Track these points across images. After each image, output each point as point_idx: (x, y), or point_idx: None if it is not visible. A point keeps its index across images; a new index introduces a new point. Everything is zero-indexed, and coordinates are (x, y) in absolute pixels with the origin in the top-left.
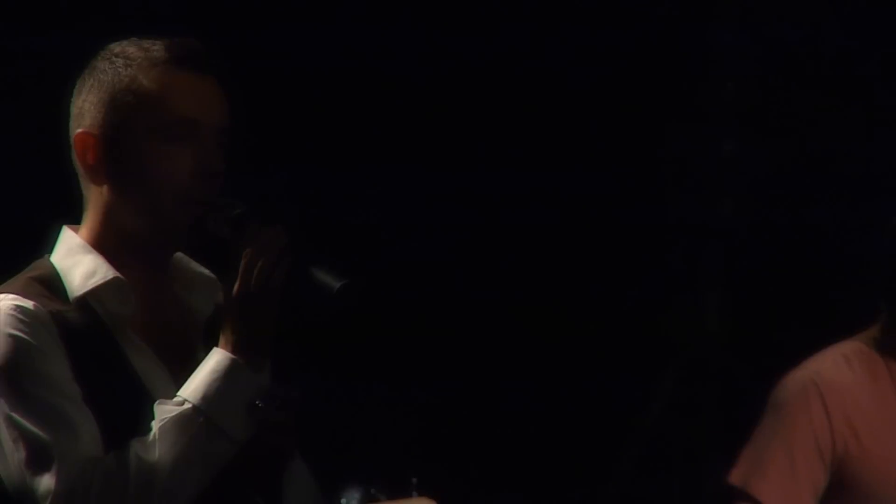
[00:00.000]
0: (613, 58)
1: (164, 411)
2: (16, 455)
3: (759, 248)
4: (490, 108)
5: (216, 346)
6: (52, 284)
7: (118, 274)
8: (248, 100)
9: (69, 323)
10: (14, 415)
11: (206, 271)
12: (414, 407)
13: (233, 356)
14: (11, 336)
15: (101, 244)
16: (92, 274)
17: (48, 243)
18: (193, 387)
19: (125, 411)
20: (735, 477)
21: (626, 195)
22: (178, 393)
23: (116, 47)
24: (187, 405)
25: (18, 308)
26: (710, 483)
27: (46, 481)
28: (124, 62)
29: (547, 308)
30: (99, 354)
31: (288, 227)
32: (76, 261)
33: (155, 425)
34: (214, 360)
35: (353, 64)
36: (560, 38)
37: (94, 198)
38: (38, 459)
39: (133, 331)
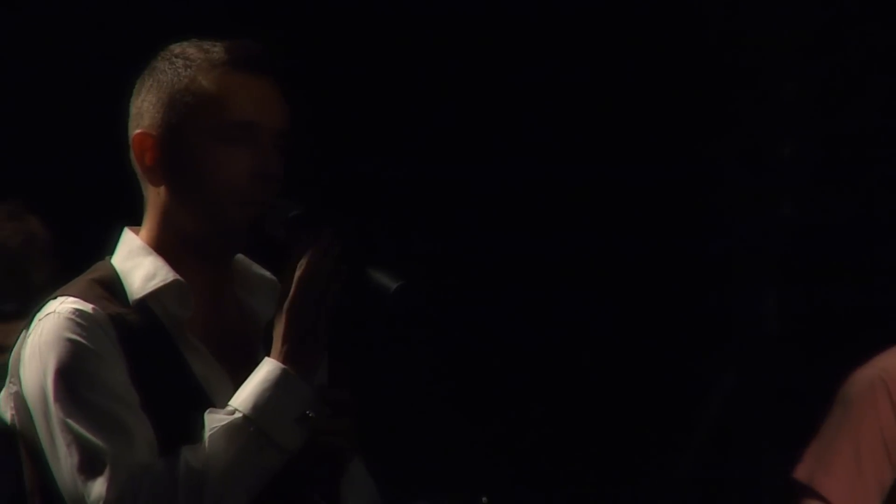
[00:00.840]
0: (671, 56)
1: (215, 420)
2: (69, 460)
3: (818, 246)
4: (546, 107)
5: None
6: (112, 287)
7: (178, 276)
8: (306, 101)
9: (128, 325)
10: (69, 420)
11: (267, 273)
12: (485, 424)
13: (284, 366)
14: (70, 340)
15: (161, 246)
16: (152, 276)
17: (111, 245)
18: (244, 396)
19: (183, 414)
20: (801, 473)
21: (686, 193)
22: (230, 402)
23: (176, 48)
24: (238, 415)
25: (77, 312)
26: (768, 479)
27: (98, 487)
28: (184, 63)
29: (608, 308)
30: (158, 357)
31: (343, 229)
32: (136, 263)
33: (206, 434)
34: (266, 370)
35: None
36: (618, 38)
37: (153, 199)
38: (91, 465)
39: (192, 333)
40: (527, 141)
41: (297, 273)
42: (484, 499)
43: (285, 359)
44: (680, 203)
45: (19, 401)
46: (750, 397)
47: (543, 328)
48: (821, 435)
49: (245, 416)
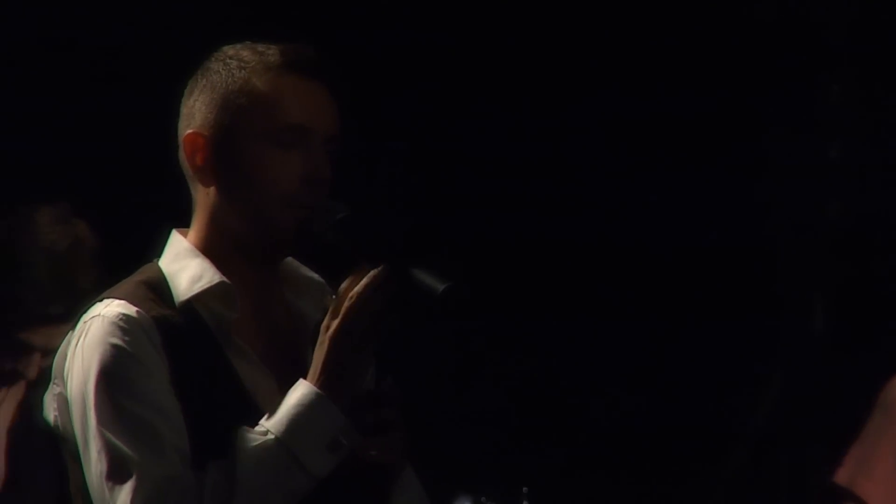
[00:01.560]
0: (719, 58)
1: (247, 439)
2: (98, 466)
3: (865, 249)
4: (596, 108)
5: None
6: (159, 289)
7: (224, 278)
8: (355, 105)
9: (174, 327)
10: (103, 426)
11: (315, 275)
12: (525, 415)
13: (319, 391)
14: (113, 346)
15: (209, 248)
16: (198, 278)
17: (159, 247)
18: (277, 418)
19: (228, 416)
20: (841, 476)
21: (733, 197)
22: (263, 421)
23: (230, 50)
24: (270, 436)
25: (122, 316)
26: (816, 482)
27: (123, 496)
28: (238, 64)
29: (656, 310)
30: (203, 359)
31: (389, 234)
32: (183, 265)
33: (236, 452)
34: (300, 393)
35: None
36: (664, 40)
37: (201, 200)
38: (119, 473)
39: (239, 336)
40: (570, 145)
41: (347, 303)
42: (525, 489)
43: (322, 385)
44: (727, 204)
45: (62, 402)
46: (797, 400)
47: (589, 325)
48: (861, 439)
49: (277, 439)
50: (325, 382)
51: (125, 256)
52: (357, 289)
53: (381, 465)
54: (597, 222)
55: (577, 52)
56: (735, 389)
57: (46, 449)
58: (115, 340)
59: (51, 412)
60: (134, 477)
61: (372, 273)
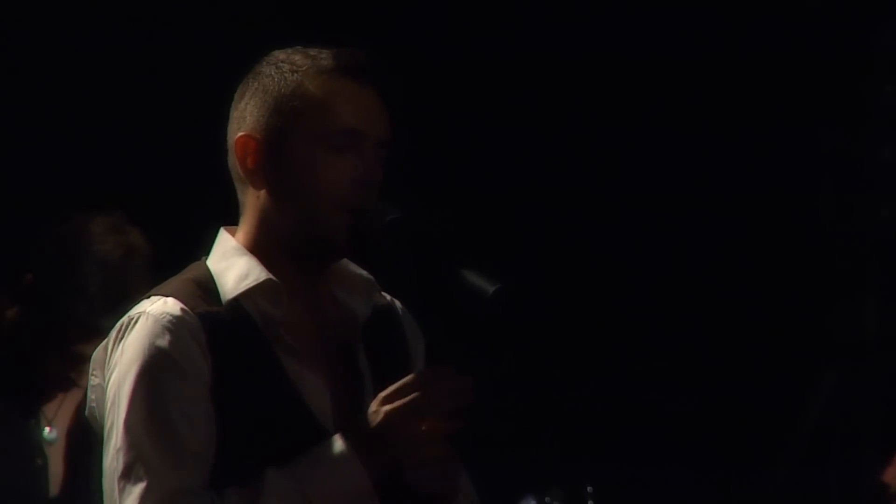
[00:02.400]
0: (774, 60)
1: (274, 483)
2: (114, 463)
3: None
4: (656, 111)
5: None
6: (206, 286)
7: (271, 275)
8: (405, 110)
9: (220, 325)
10: (127, 426)
11: (365, 273)
12: (589, 415)
13: (355, 455)
14: (154, 347)
15: (257, 247)
16: (245, 276)
17: (208, 245)
18: (307, 470)
19: (274, 411)
20: (889, 476)
21: (786, 200)
22: (292, 466)
23: (281, 54)
24: (297, 488)
25: (168, 316)
26: (867, 483)
27: (131, 500)
28: (290, 68)
29: (711, 313)
30: (251, 356)
31: (440, 232)
32: (230, 263)
33: (261, 494)
34: (337, 450)
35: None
36: (716, 39)
37: (251, 201)
38: (131, 476)
39: (286, 333)
40: (638, 151)
41: (420, 389)
42: (589, 488)
43: (359, 449)
44: (779, 208)
45: (100, 393)
46: (849, 400)
47: (645, 327)
48: None
49: (304, 493)
50: (364, 449)
51: (178, 259)
52: (428, 373)
53: (437, 496)
54: (646, 222)
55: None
56: (790, 387)
57: (102, 451)
58: (158, 342)
59: (90, 403)
60: (146, 482)
61: (460, 377)
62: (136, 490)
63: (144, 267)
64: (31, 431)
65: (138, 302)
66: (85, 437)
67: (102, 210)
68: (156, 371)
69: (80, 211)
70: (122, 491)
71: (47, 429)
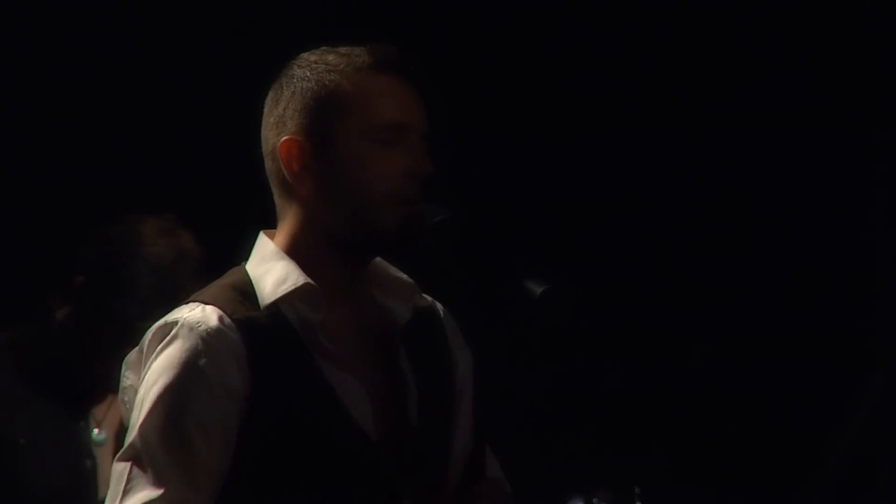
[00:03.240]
0: (833, 66)
1: None
2: (124, 465)
3: None
4: (703, 116)
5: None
6: (245, 292)
7: (309, 280)
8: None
9: (258, 331)
10: (143, 430)
11: (404, 276)
12: (637, 415)
13: None
14: (185, 356)
15: (296, 250)
16: (283, 280)
17: (248, 249)
18: None
19: (313, 417)
20: None
21: (833, 204)
22: None
23: (312, 56)
24: None
25: (203, 325)
26: None
27: (135, 502)
28: (326, 68)
29: (755, 315)
30: (288, 362)
31: (487, 234)
32: (269, 268)
33: None
34: None
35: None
36: (779, 47)
37: (294, 205)
38: (137, 485)
39: (325, 337)
40: (683, 155)
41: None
42: (637, 489)
43: None
44: (824, 212)
45: (131, 395)
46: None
47: (690, 329)
48: None
49: None
50: None
51: (220, 259)
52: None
53: None
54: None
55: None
56: (834, 392)
57: None
58: (191, 353)
59: (122, 404)
60: (149, 490)
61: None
62: (139, 496)
63: (194, 270)
64: (81, 433)
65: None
66: None
67: (154, 212)
68: (184, 382)
69: (133, 213)
70: (125, 493)
71: (96, 430)
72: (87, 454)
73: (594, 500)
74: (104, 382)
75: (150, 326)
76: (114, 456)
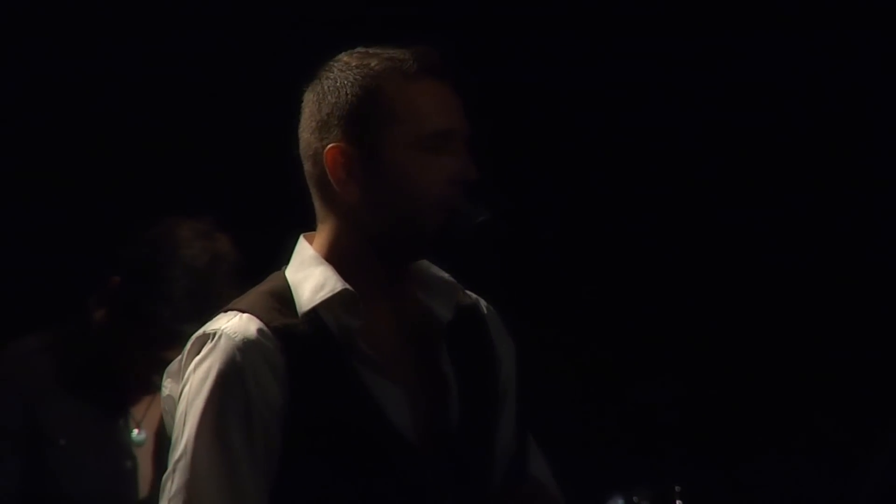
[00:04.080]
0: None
1: None
2: (171, 477)
3: None
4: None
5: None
6: (283, 298)
7: (347, 285)
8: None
9: (296, 339)
10: (189, 444)
11: (447, 275)
12: (679, 410)
13: None
14: (224, 368)
15: (335, 255)
16: (321, 287)
17: (289, 253)
18: None
19: (352, 424)
20: None
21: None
22: None
23: (353, 59)
24: None
25: (241, 336)
26: None
27: None
28: (370, 73)
29: (814, 319)
30: (326, 369)
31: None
32: (307, 273)
33: None
34: None
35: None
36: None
37: (336, 209)
38: (185, 497)
39: (364, 343)
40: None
41: None
42: (677, 488)
43: None
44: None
45: (171, 404)
46: None
47: (734, 326)
48: None
49: None
50: None
51: (259, 263)
52: None
53: None
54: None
55: None
56: (883, 396)
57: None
58: (230, 365)
59: (162, 411)
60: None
61: None
62: None
63: (230, 274)
64: (121, 433)
65: (217, 313)
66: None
67: (192, 215)
68: (224, 396)
69: (170, 215)
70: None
71: (136, 431)
72: (127, 454)
73: (634, 499)
74: (142, 383)
75: (187, 329)
76: (153, 456)
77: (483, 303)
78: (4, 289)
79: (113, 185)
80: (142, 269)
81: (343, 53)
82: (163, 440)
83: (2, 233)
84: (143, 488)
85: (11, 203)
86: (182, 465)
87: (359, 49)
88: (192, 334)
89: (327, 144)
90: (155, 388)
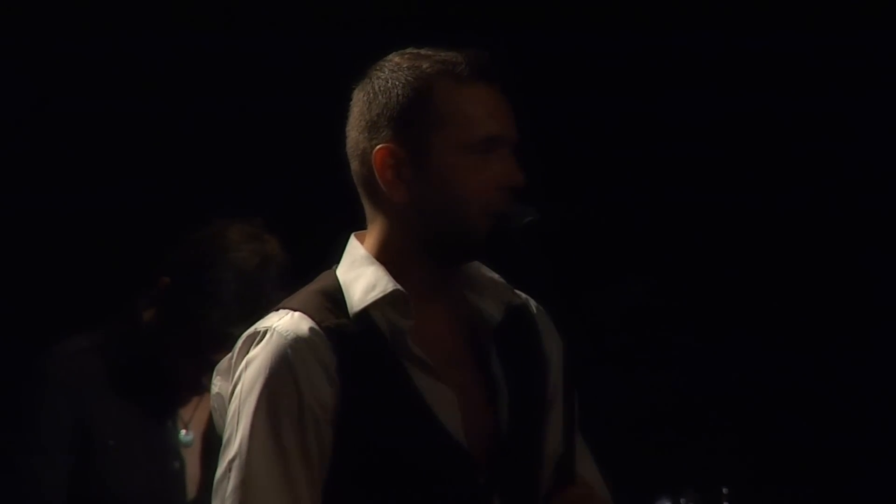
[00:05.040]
0: None
1: None
2: (226, 476)
3: None
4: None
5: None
6: (334, 298)
7: (398, 286)
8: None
9: (347, 339)
10: (243, 444)
11: (496, 276)
12: (725, 412)
13: None
14: (276, 366)
15: (386, 255)
16: (372, 287)
17: (340, 251)
18: None
19: (402, 425)
20: None
21: None
22: None
23: (404, 61)
24: None
25: (292, 334)
26: None
27: None
28: (421, 75)
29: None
30: (377, 370)
31: (576, 235)
32: (358, 273)
33: None
34: None
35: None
36: None
37: (385, 210)
38: (240, 497)
39: (415, 344)
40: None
41: None
42: (724, 490)
43: None
44: None
45: (221, 402)
46: None
47: (789, 328)
48: None
49: None
50: None
51: (309, 261)
52: None
53: None
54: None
55: None
56: None
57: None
58: (282, 363)
59: (211, 409)
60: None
61: None
62: None
63: (279, 276)
64: (169, 434)
65: (269, 312)
66: (220, 440)
67: (242, 217)
68: (277, 394)
69: (220, 217)
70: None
71: (184, 431)
72: (175, 455)
73: (681, 501)
74: (190, 384)
75: (236, 331)
76: (201, 457)
77: (533, 303)
78: (54, 289)
79: (164, 187)
80: (191, 271)
81: (394, 53)
82: (210, 441)
83: (52, 233)
84: (191, 489)
85: (62, 203)
86: (237, 464)
87: (410, 50)
88: (240, 335)
89: (376, 145)
90: (203, 389)
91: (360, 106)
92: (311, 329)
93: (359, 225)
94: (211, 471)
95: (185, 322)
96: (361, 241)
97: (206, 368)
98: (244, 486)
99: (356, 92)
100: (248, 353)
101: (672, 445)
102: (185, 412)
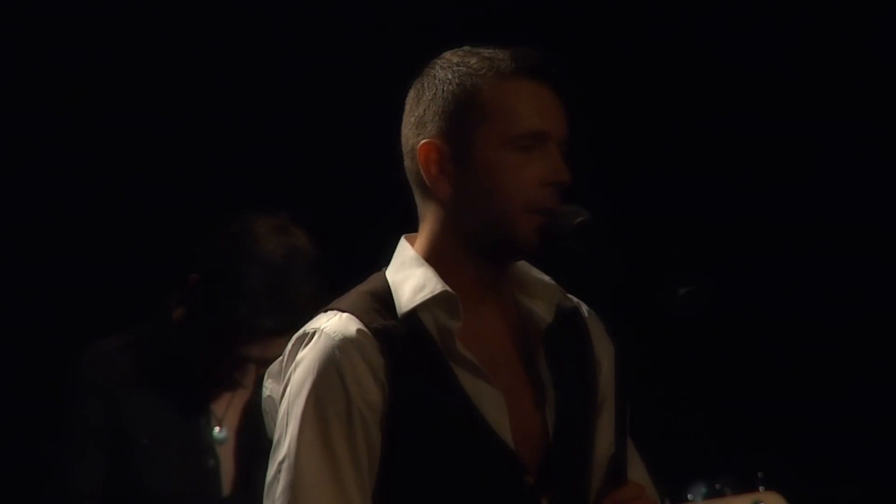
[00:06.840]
0: None
1: None
2: (276, 478)
3: None
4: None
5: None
6: (383, 299)
7: (447, 287)
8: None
9: (395, 340)
10: (294, 445)
11: (547, 278)
12: (761, 402)
13: None
14: (324, 367)
15: (435, 256)
16: (420, 288)
17: (390, 253)
18: None
19: (450, 427)
20: None
21: None
22: None
23: (454, 57)
24: None
25: (341, 335)
26: None
27: None
28: (467, 71)
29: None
30: (425, 371)
31: (628, 238)
32: (407, 274)
33: None
34: None
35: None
36: None
37: (433, 208)
38: (290, 498)
39: (463, 345)
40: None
41: None
42: (760, 474)
43: None
44: None
45: (272, 405)
46: None
47: (827, 319)
48: None
49: None
50: None
51: (354, 267)
52: None
53: None
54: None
55: None
56: None
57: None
58: (330, 364)
59: (263, 412)
60: None
61: None
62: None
63: (307, 268)
64: (202, 432)
65: (303, 310)
66: (254, 436)
67: (267, 211)
68: (325, 394)
69: (247, 211)
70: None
71: (217, 428)
72: (210, 453)
73: (717, 486)
74: (222, 380)
75: (266, 323)
76: (235, 454)
77: (584, 306)
78: (85, 289)
79: (194, 184)
80: (219, 266)
81: (449, 51)
82: (244, 438)
83: (82, 234)
84: (226, 486)
85: (91, 204)
86: (286, 465)
87: (464, 47)
88: (270, 328)
89: (421, 140)
90: (235, 384)
91: (411, 103)
92: (358, 330)
93: (411, 227)
94: (247, 468)
95: (215, 316)
96: (411, 242)
97: (237, 363)
98: (293, 487)
99: (410, 90)
100: (297, 354)
101: (709, 430)
102: (218, 409)
